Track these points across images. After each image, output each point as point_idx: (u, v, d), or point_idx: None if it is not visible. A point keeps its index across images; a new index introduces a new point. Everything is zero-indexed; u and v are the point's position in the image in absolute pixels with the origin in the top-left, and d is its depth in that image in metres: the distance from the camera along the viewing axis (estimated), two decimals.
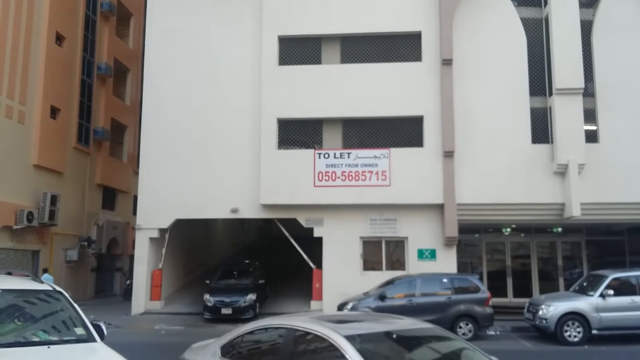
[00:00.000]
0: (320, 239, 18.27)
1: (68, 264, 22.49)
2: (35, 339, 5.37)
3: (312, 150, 18.16)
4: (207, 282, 18.10)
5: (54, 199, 20.48)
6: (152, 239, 19.03)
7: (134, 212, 22.37)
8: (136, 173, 22.11)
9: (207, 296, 17.15)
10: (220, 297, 16.96)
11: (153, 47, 19.67)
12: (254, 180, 18.33)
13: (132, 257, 21.54)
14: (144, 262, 18.92)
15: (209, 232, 25.25)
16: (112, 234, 26.05)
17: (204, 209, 18.73)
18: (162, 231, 19.15)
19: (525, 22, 18.22)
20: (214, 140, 18.80)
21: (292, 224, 19.06)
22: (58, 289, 6.12)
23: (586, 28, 17.95)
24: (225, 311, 16.68)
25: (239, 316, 16.49)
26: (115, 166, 26.91)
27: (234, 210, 18.50)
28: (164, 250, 19.33)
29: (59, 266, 21.84)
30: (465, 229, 18.49)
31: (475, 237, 20.87)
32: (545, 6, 18.24)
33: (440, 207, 17.73)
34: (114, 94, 27.01)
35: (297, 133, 18.81)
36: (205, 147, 18.81)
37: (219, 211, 18.85)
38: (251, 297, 17.03)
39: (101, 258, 25.47)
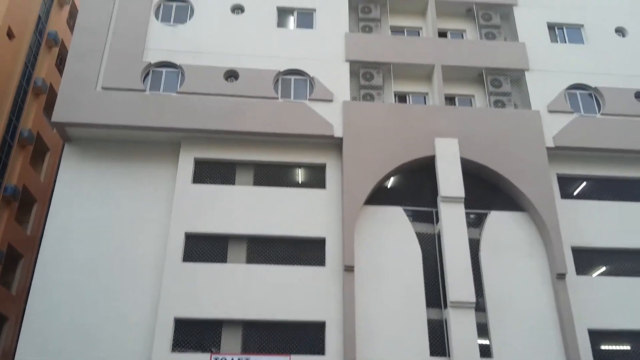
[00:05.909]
0: None
1: None
2: None
3: (209, 354, 17.25)
4: None
5: None
6: None
7: None
8: None
9: None
10: None
11: (51, 236, 18.91)
12: None
13: None
14: None
15: None
16: None
17: None
18: None
19: (420, 236, 19.45)
20: (102, 342, 17.42)
21: None
22: None
23: (474, 246, 19.41)
24: None
25: None
26: None
27: None
28: None
29: None
30: None
31: None
32: (437, 223, 19.80)
33: None
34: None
35: (195, 334, 17.90)
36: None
37: None
38: None
39: None
